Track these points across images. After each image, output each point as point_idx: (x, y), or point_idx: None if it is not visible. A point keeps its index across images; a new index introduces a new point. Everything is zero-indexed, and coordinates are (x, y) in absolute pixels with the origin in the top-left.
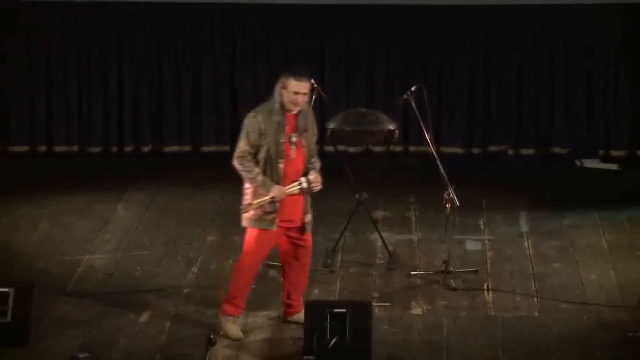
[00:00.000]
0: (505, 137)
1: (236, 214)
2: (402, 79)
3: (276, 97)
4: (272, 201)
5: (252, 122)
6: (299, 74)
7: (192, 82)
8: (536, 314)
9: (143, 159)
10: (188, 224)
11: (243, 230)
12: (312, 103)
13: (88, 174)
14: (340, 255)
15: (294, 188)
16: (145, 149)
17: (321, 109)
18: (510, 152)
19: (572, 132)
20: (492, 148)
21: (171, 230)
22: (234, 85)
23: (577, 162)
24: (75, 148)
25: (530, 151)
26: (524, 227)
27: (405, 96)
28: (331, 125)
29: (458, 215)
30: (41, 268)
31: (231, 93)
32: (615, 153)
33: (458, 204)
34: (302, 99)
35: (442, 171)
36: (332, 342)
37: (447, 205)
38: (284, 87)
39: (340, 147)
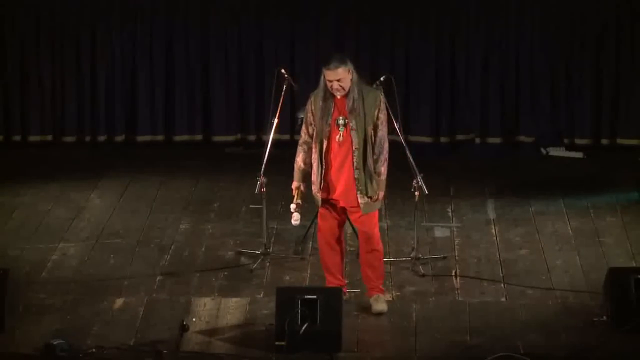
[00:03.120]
0: (472, 126)
1: (208, 202)
2: (370, 71)
3: (321, 82)
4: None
5: (308, 103)
6: (326, 62)
7: (164, 72)
8: (503, 299)
9: (117, 148)
10: (161, 211)
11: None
12: (282, 90)
13: (62, 163)
14: (311, 242)
15: (294, 198)
16: (119, 138)
17: (291, 98)
18: (477, 140)
19: (537, 121)
20: (460, 137)
21: (144, 218)
22: (206, 75)
23: (543, 151)
24: (50, 137)
25: (497, 140)
26: (491, 214)
27: (374, 86)
28: (302, 115)
29: (426, 203)
30: (16, 256)
31: (203, 83)
32: (579, 141)
33: (426, 192)
34: (338, 85)
35: (411, 160)
36: (303, 328)
37: (415, 193)
38: (323, 75)
39: None
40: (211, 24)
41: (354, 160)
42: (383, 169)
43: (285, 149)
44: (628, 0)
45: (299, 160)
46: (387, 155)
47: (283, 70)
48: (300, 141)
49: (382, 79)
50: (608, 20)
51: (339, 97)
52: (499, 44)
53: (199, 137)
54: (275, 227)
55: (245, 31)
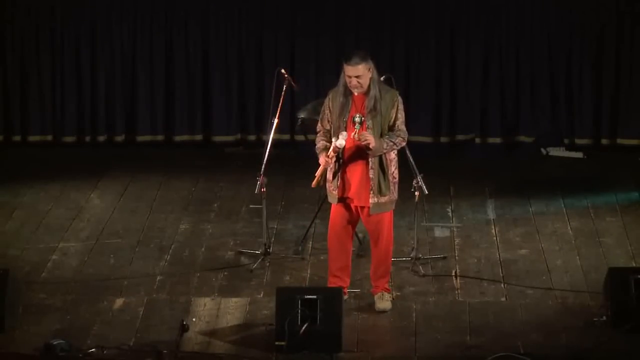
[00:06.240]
0: (472, 126)
1: (208, 202)
2: None
3: (341, 78)
4: (325, 168)
5: (326, 100)
6: (347, 58)
7: (164, 72)
8: (503, 299)
9: (117, 148)
10: (161, 211)
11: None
12: (282, 91)
13: (62, 163)
14: (311, 242)
15: (332, 148)
16: (119, 138)
17: (291, 98)
18: (477, 140)
19: (537, 121)
20: (460, 137)
21: (144, 218)
22: (206, 75)
23: (543, 151)
24: (50, 137)
25: (497, 140)
26: (491, 214)
27: None
28: (302, 115)
29: (426, 203)
30: (16, 256)
31: (203, 83)
32: (580, 141)
33: (426, 192)
34: (356, 82)
35: (411, 160)
36: (303, 328)
37: (415, 193)
38: (343, 71)
39: (311, 137)
40: (211, 24)
41: (369, 159)
42: (393, 154)
43: (285, 149)
44: (628, 0)
45: (324, 142)
46: (402, 143)
47: (283, 70)
48: (318, 129)
49: (382, 79)
50: (608, 20)
51: (356, 94)
52: (499, 44)
53: (199, 137)
54: (275, 227)
55: (245, 31)
